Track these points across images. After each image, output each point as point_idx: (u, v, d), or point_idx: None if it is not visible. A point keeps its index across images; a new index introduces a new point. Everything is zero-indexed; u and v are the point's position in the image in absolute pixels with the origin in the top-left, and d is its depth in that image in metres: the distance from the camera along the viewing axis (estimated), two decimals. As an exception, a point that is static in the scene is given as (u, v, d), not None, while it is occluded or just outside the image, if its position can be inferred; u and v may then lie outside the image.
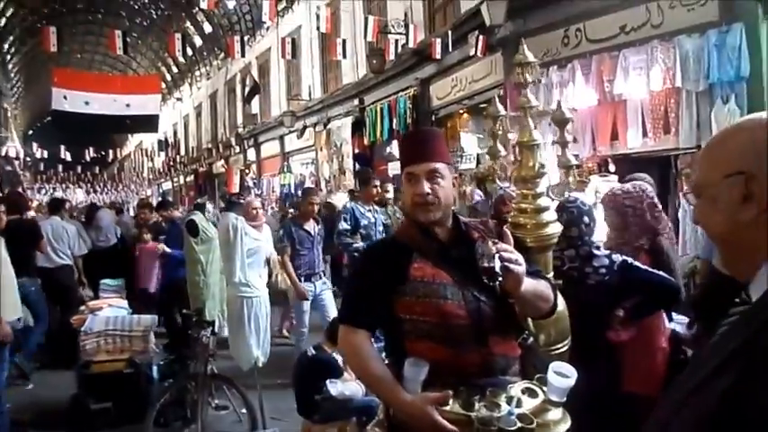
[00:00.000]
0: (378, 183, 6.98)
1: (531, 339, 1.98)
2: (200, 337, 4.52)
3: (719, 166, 1.08)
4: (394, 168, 13.02)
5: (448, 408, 1.81)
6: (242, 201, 6.32)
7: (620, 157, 8.28)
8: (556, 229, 2.13)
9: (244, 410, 4.72)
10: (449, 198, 2.00)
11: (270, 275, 6.32)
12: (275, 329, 7.04)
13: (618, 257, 3.06)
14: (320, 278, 6.09)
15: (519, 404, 1.83)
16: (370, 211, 6.44)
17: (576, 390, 2.94)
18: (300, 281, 5.80)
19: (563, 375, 1.84)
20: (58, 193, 39.17)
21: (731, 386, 0.91)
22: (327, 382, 4.13)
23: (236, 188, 22.75)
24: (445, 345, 1.86)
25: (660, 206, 3.46)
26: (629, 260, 3.09)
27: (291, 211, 12.82)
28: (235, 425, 4.82)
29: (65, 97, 18.69)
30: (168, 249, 7.35)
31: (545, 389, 1.87)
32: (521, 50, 2.26)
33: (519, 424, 1.75)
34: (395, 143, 14.10)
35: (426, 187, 1.94)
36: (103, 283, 7.80)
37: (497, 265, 1.71)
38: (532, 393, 1.89)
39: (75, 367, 5.50)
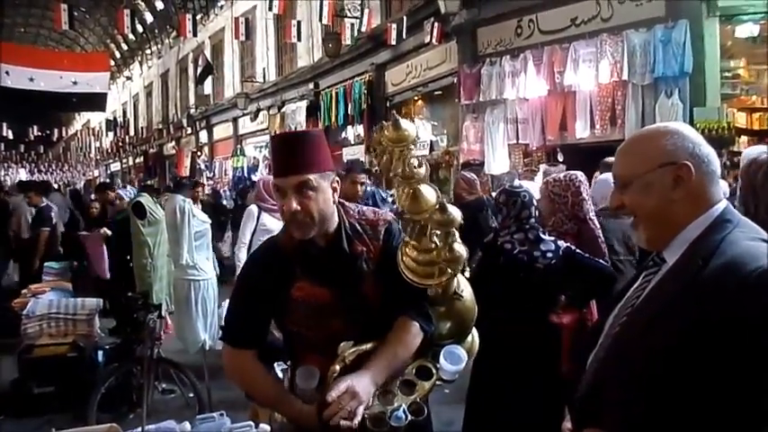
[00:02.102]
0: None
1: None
2: (147, 321, 4.46)
3: (653, 159, 1.39)
4: (348, 154, 13.03)
5: None
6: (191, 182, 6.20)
7: (568, 146, 8.48)
8: (446, 276, 1.93)
9: (191, 394, 4.70)
10: (324, 211, 1.80)
11: None
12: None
13: (562, 243, 3.20)
14: None
15: (413, 389, 1.82)
16: (392, 195, 5.65)
17: (520, 372, 3.07)
18: None
19: (455, 358, 1.86)
20: (0, 173, 37.80)
21: (685, 323, 1.24)
22: (275, 365, 4.14)
23: (186, 171, 22.33)
24: (333, 357, 1.80)
25: (586, 196, 3.60)
26: (572, 247, 3.23)
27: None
28: (182, 409, 4.78)
29: (7, 73, 17.97)
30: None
31: (438, 366, 1.88)
32: (399, 125, 1.82)
33: (410, 417, 1.75)
34: (350, 128, 14.08)
35: (294, 203, 1.74)
36: (47, 266, 7.62)
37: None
38: (426, 373, 1.88)
39: (16, 351, 5.36)
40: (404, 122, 1.82)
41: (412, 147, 1.83)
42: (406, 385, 1.85)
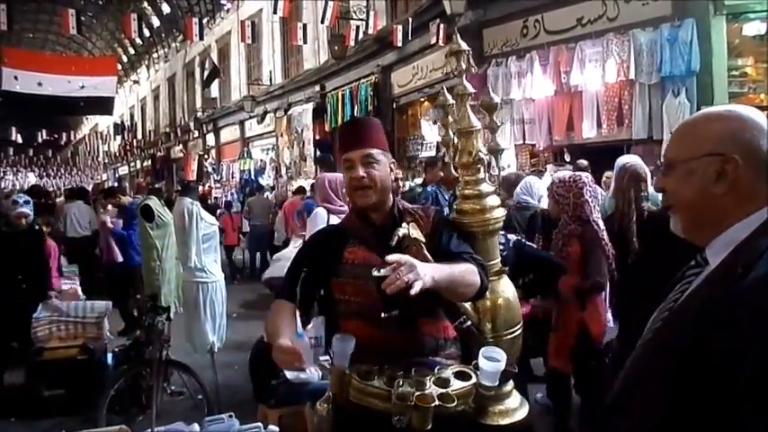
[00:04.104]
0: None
1: (469, 323, 2.01)
2: (156, 323, 4.48)
3: (700, 145, 1.25)
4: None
5: (375, 383, 1.88)
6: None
7: (575, 146, 8.47)
8: (499, 213, 2.19)
9: (200, 396, 4.71)
10: (385, 182, 2.08)
11: None
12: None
13: (512, 237, 3.23)
14: None
15: (446, 385, 1.87)
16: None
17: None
18: None
19: (493, 359, 1.87)
20: (9, 177, 38.03)
21: (711, 336, 1.11)
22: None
23: (193, 175, 22.39)
24: (373, 324, 1.92)
25: (588, 197, 3.62)
26: (522, 239, 3.26)
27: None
28: (191, 411, 4.79)
29: (15, 78, 18.10)
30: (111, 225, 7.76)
31: (479, 373, 1.91)
32: (454, 40, 2.31)
33: (437, 402, 1.79)
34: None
35: (361, 171, 2.04)
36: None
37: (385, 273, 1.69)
38: (465, 376, 1.93)
39: (26, 354, 5.39)
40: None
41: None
42: (439, 381, 1.90)
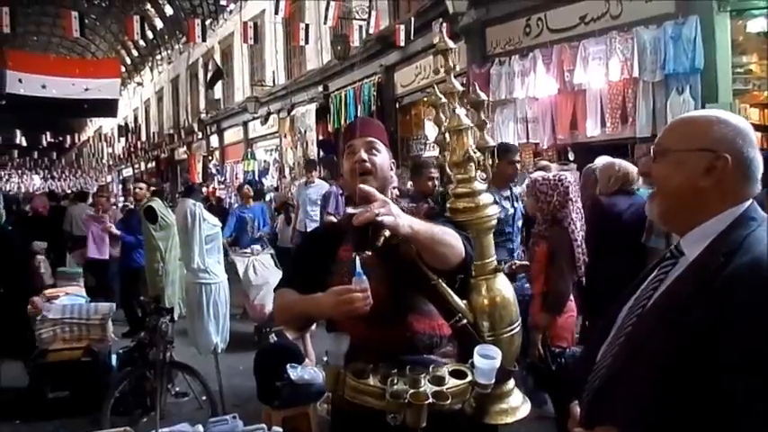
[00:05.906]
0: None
1: (464, 321, 1.99)
2: (159, 325, 4.48)
3: (696, 139, 1.36)
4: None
5: (370, 381, 1.88)
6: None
7: (579, 145, 8.44)
8: (493, 210, 2.16)
9: (204, 397, 4.71)
10: (384, 170, 2.08)
11: None
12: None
13: None
14: None
15: (441, 382, 1.86)
16: (507, 198, 4.52)
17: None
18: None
19: (488, 357, 1.84)
20: (14, 180, 38.14)
21: (703, 320, 1.21)
22: (288, 366, 4.14)
23: (199, 177, 22.42)
24: (365, 321, 1.88)
25: (573, 197, 3.59)
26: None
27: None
28: (195, 412, 4.80)
29: (20, 80, 18.21)
30: (117, 232, 7.70)
31: (474, 371, 1.87)
32: (440, 38, 2.29)
33: (431, 400, 1.79)
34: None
35: (364, 155, 2.05)
36: (60, 271, 7.69)
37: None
38: (460, 375, 1.92)
39: (30, 356, 5.40)
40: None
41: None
42: (434, 379, 1.89)
